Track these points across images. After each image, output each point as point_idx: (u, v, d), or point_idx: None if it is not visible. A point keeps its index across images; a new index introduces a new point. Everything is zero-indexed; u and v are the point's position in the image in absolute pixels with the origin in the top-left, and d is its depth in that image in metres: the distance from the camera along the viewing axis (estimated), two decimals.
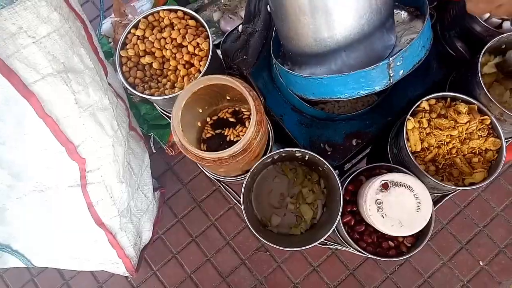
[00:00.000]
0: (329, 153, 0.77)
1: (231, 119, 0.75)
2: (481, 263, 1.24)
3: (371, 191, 0.60)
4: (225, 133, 0.74)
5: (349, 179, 0.68)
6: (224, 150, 0.57)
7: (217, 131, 0.76)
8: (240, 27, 0.79)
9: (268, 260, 1.20)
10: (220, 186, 1.22)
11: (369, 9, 0.59)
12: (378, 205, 0.60)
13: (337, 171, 0.88)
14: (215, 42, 0.93)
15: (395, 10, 0.73)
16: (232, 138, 0.71)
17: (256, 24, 0.75)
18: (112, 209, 0.95)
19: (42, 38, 0.66)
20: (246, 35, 0.74)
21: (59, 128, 0.78)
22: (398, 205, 0.59)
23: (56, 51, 0.68)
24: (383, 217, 0.59)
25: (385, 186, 0.60)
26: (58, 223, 0.97)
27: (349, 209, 0.70)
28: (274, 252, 1.19)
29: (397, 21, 0.72)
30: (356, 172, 0.69)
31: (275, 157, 0.71)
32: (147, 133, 1.23)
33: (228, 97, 0.71)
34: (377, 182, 0.60)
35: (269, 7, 0.74)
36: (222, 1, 1.24)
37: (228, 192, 0.89)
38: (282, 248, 0.64)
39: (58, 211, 0.95)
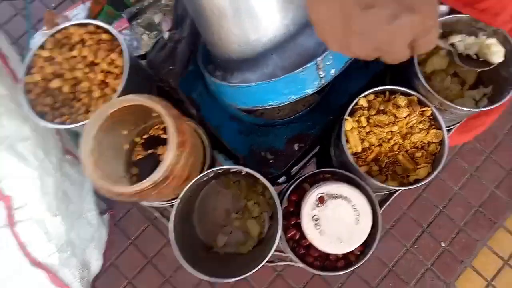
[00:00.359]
0: (271, 161, 0.72)
1: (164, 136, 0.68)
2: (442, 244, 1.26)
3: (307, 207, 0.56)
4: (158, 153, 0.68)
5: (290, 188, 0.64)
6: (141, 182, 0.51)
7: (149, 151, 0.69)
8: (166, 34, 0.72)
9: None
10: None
11: (292, 7, 0.54)
12: (315, 222, 0.56)
13: (284, 177, 0.84)
14: (143, 53, 0.86)
15: None
16: None
17: (183, 30, 0.69)
18: (48, 246, 0.87)
19: None
20: (173, 42, 0.68)
21: None
22: (336, 219, 0.56)
23: None
24: (321, 235, 0.55)
25: (321, 200, 0.56)
26: None
27: (293, 222, 0.65)
28: None
29: None
30: (298, 181, 0.65)
31: (211, 176, 0.65)
32: None
33: (154, 114, 0.64)
34: (312, 196, 0.57)
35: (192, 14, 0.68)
36: (163, 1, 1.17)
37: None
38: (221, 281, 0.59)
39: None
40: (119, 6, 1.13)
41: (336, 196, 0.56)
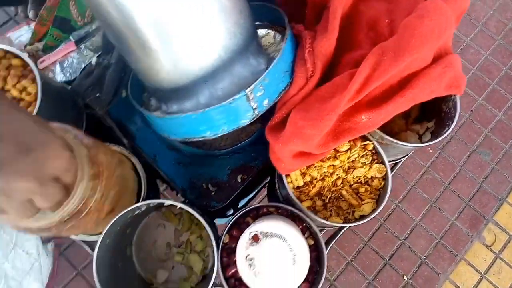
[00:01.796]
0: (213, 193, 0.68)
1: None
2: (405, 278, 1.22)
3: (240, 246, 0.52)
4: None
5: (230, 223, 0.60)
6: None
7: None
8: (93, 60, 0.69)
9: None
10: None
11: (221, 35, 0.52)
12: (250, 262, 0.51)
13: (231, 209, 0.80)
14: (68, 80, 0.81)
15: (264, 30, 0.67)
16: None
17: (112, 56, 0.66)
18: None
19: None
20: (101, 69, 0.64)
21: None
22: (271, 259, 0.51)
23: None
24: (256, 276, 0.51)
25: (255, 239, 0.52)
26: None
27: (235, 259, 0.61)
28: None
29: (269, 42, 0.66)
30: (237, 215, 0.61)
31: (143, 209, 0.61)
32: None
33: None
34: (245, 234, 0.52)
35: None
36: None
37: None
38: None
39: None
40: (66, 28, 1.10)
41: (271, 235, 0.52)
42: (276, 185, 0.69)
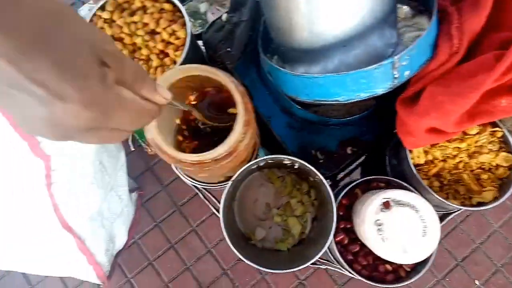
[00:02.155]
0: (321, 161, 0.69)
1: None
2: (477, 283, 1.18)
3: (370, 210, 0.52)
4: None
5: (343, 192, 0.60)
6: (206, 153, 0.49)
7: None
8: (224, 16, 0.70)
9: (252, 272, 1.12)
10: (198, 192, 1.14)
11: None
12: (378, 227, 0.52)
13: (329, 181, 0.80)
14: (197, 32, 0.85)
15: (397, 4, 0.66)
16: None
17: (243, 14, 0.67)
18: (80, 212, 0.86)
19: None
20: (231, 25, 0.66)
21: None
22: (401, 228, 0.51)
23: None
24: (383, 241, 0.51)
25: (386, 205, 0.52)
26: (23, 224, 0.89)
27: (342, 226, 0.62)
28: None
29: (399, 17, 0.65)
30: (351, 185, 0.61)
31: (261, 164, 0.63)
32: None
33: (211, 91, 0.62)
34: (377, 200, 0.52)
35: None
36: None
37: (208, 200, 0.81)
38: (266, 270, 0.56)
39: (23, 212, 0.86)
40: None
41: (403, 204, 0.52)
42: (388, 160, 0.68)
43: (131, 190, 1.12)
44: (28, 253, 0.98)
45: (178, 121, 0.66)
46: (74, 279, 1.07)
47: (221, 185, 0.70)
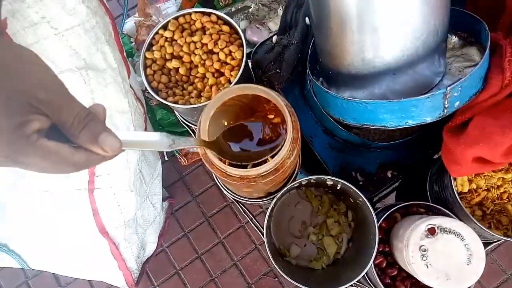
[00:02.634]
0: (360, 183, 0.70)
1: None
2: None
3: (415, 235, 0.53)
4: None
5: (384, 215, 0.61)
6: (254, 168, 0.51)
7: None
8: (274, 38, 0.73)
9: (276, 287, 1.12)
10: (233, 203, 1.16)
11: (427, 30, 0.53)
12: (423, 252, 0.52)
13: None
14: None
15: None
16: None
17: (292, 36, 0.69)
18: (118, 218, 0.89)
19: (65, 31, 0.61)
20: (281, 47, 0.69)
21: None
22: (445, 255, 0.52)
23: (79, 46, 0.64)
24: (427, 267, 0.52)
25: (431, 232, 0.53)
26: (59, 226, 0.92)
27: (380, 249, 0.63)
28: (283, 278, 1.12)
29: (447, 46, 0.66)
30: (392, 210, 0.62)
31: (304, 183, 0.64)
32: None
33: (258, 112, 0.64)
34: (422, 226, 0.53)
35: (309, 19, 0.68)
36: (250, 10, 1.19)
37: (244, 213, 0.82)
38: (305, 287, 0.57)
39: (61, 214, 0.89)
40: (208, 7, 1.17)
41: (449, 231, 0.53)
42: (429, 186, 0.69)
43: (163, 199, 1.15)
44: (62, 254, 1.01)
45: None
46: (102, 282, 1.09)
47: (259, 201, 0.71)
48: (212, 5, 1.19)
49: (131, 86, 0.83)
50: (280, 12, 1.17)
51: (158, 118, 1.17)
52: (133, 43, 1.22)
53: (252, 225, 0.82)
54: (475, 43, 0.64)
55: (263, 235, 0.67)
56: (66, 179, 0.82)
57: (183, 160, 1.18)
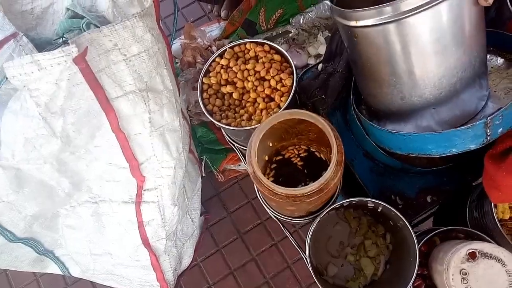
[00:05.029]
0: (400, 206, 0.72)
1: (295, 161, 0.72)
2: None
3: (455, 258, 0.55)
4: None
5: (424, 239, 0.63)
6: (299, 188, 0.55)
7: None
8: (319, 66, 0.78)
9: None
10: (266, 221, 1.19)
11: (462, 67, 0.56)
12: (463, 276, 0.54)
13: None
14: None
15: (488, 56, 0.69)
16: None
17: (337, 65, 0.74)
18: (161, 230, 0.94)
19: (132, 56, 0.68)
20: (326, 74, 0.73)
21: (128, 144, 0.78)
22: (486, 279, 0.54)
23: (143, 70, 0.70)
24: None
25: (472, 256, 0.55)
26: (104, 236, 0.97)
27: (419, 272, 0.64)
28: None
29: (491, 67, 0.68)
30: (432, 234, 0.64)
31: (345, 204, 0.67)
32: (200, 156, 1.23)
33: (301, 135, 0.69)
34: (463, 250, 0.55)
35: (350, 61, 0.72)
36: (291, 35, 1.25)
37: (284, 228, 0.85)
38: None
39: (107, 225, 0.94)
40: (251, 31, 1.24)
41: (490, 256, 0.54)
42: (469, 212, 0.71)
43: (201, 213, 1.19)
44: (104, 265, 1.06)
45: (266, 158, 0.73)
46: None
47: (301, 220, 0.75)
48: (254, 30, 1.25)
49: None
50: (320, 37, 1.22)
51: (198, 135, 1.23)
52: (178, 63, 1.30)
53: (291, 240, 0.84)
54: None
55: (303, 252, 0.70)
56: (115, 192, 0.88)
57: (220, 177, 1.23)
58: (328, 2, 1.19)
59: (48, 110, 0.67)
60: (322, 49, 1.18)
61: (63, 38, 0.76)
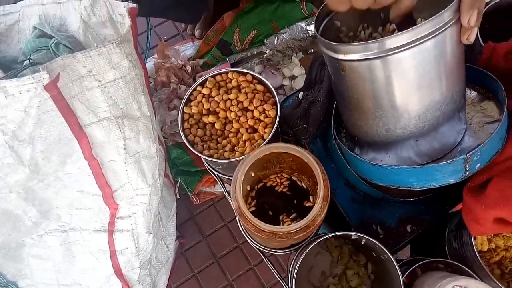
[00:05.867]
0: (381, 236, 0.72)
1: (278, 188, 0.71)
2: None
3: None
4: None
5: (407, 272, 0.63)
6: (286, 226, 0.54)
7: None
8: (300, 94, 0.77)
9: None
10: (243, 244, 1.17)
11: (445, 101, 0.57)
12: None
13: None
14: None
15: None
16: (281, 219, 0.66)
17: (318, 93, 0.74)
18: (135, 259, 0.90)
19: (108, 83, 0.65)
20: (307, 103, 0.73)
21: (101, 172, 0.75)
22: None
23: (118, 96, 0.67)
24: None
25: None
26: (74, 266, 0.92)
27: None
28: None
29: (466, 101, 0.70)
30: (415, 266, 0.64)
31: (328, 237, 0.66)
32: (174, 177, 1.19)
33: (283, 164, 0.68)
34: (448, 286, 0.55)
35: (335, 92, 0.71)
36: (265, 55, 1.25)
37: (275, 271, 0.83)
38: None
39: (77, 254, 0.90)
40: (225, 51, 1.24)
41: None
42: (447, 242, 0.71)
43: (176, 238, 1.16)
44: None
45: (248, 188, 0.71)
46: None
47: (283, 252, 0.73)
48: (229, 49, 1.24)
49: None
50: (294, 59, 1.23)
51: (172, 157, 1.20)
52: (152, 83, 1.27)
53: (269, 266, 0.83)
54: (493, 99, 0.67)
55: (280, 276, 0.68)
56: (86, 220, 0.83)
57: (195, 199, 1.20)
58: (303, 25, 1.21)
59: (15, 138, 0.63)
60: (296, 71, 1.19)
61: (30, 60, 0.72)
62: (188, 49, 1.35)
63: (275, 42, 1.22)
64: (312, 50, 1.23)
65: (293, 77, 1.21)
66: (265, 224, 0.54)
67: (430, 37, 0.49)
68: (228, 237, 1.21)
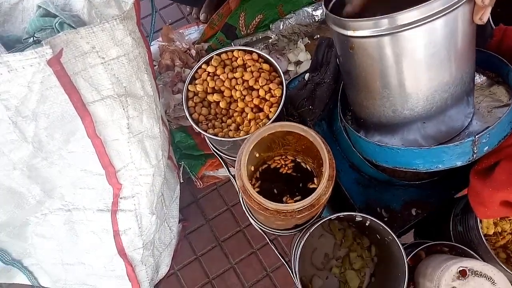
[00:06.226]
0: (385, 219, 0.72)
1: (282, 170, 0.70)
2: None
3: (446, 276, 0.55)
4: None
5: (411, 255, 0.63)
6: (290, 204, 0.53)
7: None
8: (306, 76, 0.76)
9: None
10: (246, 228, 1.17)
11: (454, 83, 0.56)
12: None
13: None
14: None
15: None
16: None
17: (324, 75, 0.73)
18: (138, 240, 0.90)
19: (111, 60, 0.64)
20: (313, 84, 0.72)
21: (105, 150, 0.74)
22: None
23: (122, 74, 0.66)
24: None
25: (463, 274, 0.55)
26: (78, 245, 0.92)
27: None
28: None
29: (475, 85, 0.69)
30: (418, 248, 0.64)
31: (333, 218, 0.66)
32: (178, 161, 1.19)
33: (288, 146, 0.67)
34: (454, 267, 0.55)
35: (342, 72, 0.71)
36: (270, 40, 1.23)
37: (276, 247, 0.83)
38: None
39: (81, 234, 0.90)
40: (230, 35, 1.22)
41: (480, 275, 0.54)
42: (453, 226, 0.71)
43: (179, 221, 1.16)
44: (76, 275, 1.01)
45: (252, 168, 0.70)
46: None
47: (287, 233, 0.73)
48: (234, 34, 1.22)
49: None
50: (300, 44, 1.21)
51: (176, 140, 1.19)
52: (156, 66, 1.26)
53: (273, 249, 0.83)
54: (503, 83, 0.66)
55: (284, 259, 0.68)
56: (89, 199, 0.83)
57: (198, 183, 1.20)
58: (309, 10, 1.19)
59: (19, 114, 0.62)
60: (302, 56, 1.17)
61: (34, 38, 0.71)
62: (192, 33, 1.33)
63: (281, 27, 1.20)
64: (318, 36, 1.21)
65: (298, 63, 1.19)
66: (269, 202, 0.54)
67: (441, 14, 0.48)
68: (231, 221, 1.21)
